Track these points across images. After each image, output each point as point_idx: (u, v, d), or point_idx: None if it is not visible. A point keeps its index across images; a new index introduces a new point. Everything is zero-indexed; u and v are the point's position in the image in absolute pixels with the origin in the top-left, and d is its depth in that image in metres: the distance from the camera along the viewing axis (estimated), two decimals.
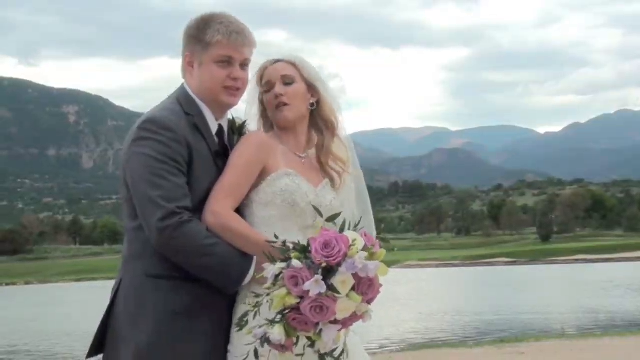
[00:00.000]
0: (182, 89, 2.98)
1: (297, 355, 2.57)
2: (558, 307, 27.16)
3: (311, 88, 3.05)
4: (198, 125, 2.87)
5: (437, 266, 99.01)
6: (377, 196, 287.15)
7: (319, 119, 3.07)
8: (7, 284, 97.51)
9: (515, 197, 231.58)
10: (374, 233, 2.94)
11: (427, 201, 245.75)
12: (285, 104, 2.97)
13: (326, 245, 2.47)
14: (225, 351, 2.81)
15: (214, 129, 2.94)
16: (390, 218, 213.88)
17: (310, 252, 2.50)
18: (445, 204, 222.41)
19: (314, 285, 2.43)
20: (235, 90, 2.94)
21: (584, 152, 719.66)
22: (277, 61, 3.05)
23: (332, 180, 3.05)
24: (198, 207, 2.77)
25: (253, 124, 3.12)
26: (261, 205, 2.89)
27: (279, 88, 2.99)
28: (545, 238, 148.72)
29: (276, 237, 2.63)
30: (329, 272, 2.47)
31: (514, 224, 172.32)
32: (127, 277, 2.84)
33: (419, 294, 37.70)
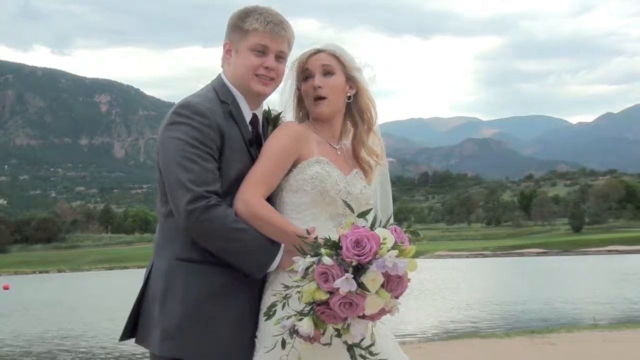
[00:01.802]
0: (218, 78, 3.01)
1: (325, 344, 2.58)
2: (590, 298, 26.92)
3: (350, 80, 3.02)
4: (233, 113, 2.90)
5: (467, 256, 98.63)
6: (407, 186, 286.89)
7: (356, 111, 3.06)
8: (40, 272, 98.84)
9: (546, 187, 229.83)
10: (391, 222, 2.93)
11: (457, 191, 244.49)
12: (323, 98, 2.95)
13: (357, 243, 2.47)
14: (253, 336, 2.82)
15: (247, 117, 2.96)
16: (420, 208, 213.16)
17: (341, 248, 2.49)
18: (476, 194, 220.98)
19: (345, 283, 2.44)
20: (268, 80, 2.96)
21: (617, 143, 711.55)
22: (319, 51, 3.02)
23: (364, 171, 3.06)
24: (228, 193, 2.79)
25: (289, 115, 3.11)
26: (291, 192, 2.88)
27: (318, 79, 2.96)
28: (577, 229, 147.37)
29: (308, 232, 2.63)
30: (359, 270, 2.47)
31: (545, 214, 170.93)
32: (159, 261, 2.88)
33: (448, 285, 37.56)
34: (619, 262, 60.61)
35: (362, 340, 2.60)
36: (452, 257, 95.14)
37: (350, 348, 2.60)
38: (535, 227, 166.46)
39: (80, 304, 34.21)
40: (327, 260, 2.47)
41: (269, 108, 3.10)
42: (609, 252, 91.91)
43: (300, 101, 3.08)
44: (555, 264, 62.58)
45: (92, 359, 16.45)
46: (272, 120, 3.09)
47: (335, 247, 2.52)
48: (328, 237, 2.55)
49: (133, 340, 2.95)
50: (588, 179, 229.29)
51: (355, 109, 3.06)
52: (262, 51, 2.94)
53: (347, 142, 3.10)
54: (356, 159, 3.07)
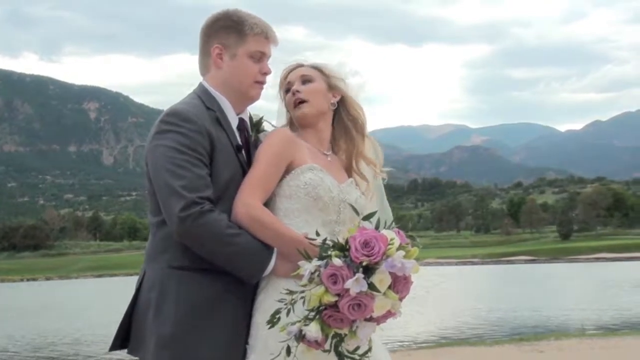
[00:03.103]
0: (201, 87, 2.99)
1: (324, 351, 2.58)
2: (578, 305, 27.01)
3: (332, 87, 3.06)
4: (219, 119, 2.90)
5: (457, 264, 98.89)
6: (397, 193, 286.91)
7: (346, 118, 3.08)
8: (28, 279, 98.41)
9: (535, 195, 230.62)
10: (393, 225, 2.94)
11: (446, 199, 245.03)
12: (303, 101, 2.99)
13: (366, 244, 2.48)
14: (247, 343, 2.82)
15: (234, 123, 2.96)
16: (409, 215, 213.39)
17: (348, 250, 2.51)
18: (465, 201, 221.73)
19: (355, 284, 2.45)
20: (263, 84, 3.00)
21: (605, 150, 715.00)
22: (300, 65, 3.08)
23: (358, 183, 3.07)
24: (218, 198, 2.79)
25: (275, 121, 3.15)
26: (284, 197, 2.89)
27: (297, 86, 3.01)
28: (566, 236, 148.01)
29: (317, 233, 2.65)
30: (367, 271, 2.49)
31: (533, 222, 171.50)
32: (151, 270, 2.87)
33: (437, 292, 37.61)
34: (608, 270, 60.84)
35: (357, 349, 2.59)
36: (441, 264, 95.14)
37: (340, 358, 2.58)
38: (524, 234, 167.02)
39: (69, 312, 34.08)
40: (337, 261, 2.48)
41: (249, 113, 3.09)
42: (597, 259, 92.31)
43: (288, 114, 3.11)
44: (544, 272, 62.80)
45: None
46: (254, 125, 3.08)
47: (343, 249, 2.53)
48: (336, 239, 2.57)
49: (123, 350, 2.93)
50: (576, 187, 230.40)
51: (345, 115, 3.08)
52: (259, 57, 2.97)
53: (341, 154, 3.11)
54: (351, 170, 3.09)
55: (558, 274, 56.99)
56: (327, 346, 2.57)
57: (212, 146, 2.82)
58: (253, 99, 3.01)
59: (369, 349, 2.64)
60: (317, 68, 3.07)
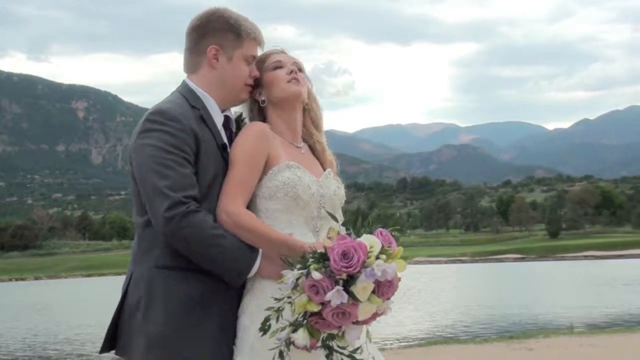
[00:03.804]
0: (185, 85, 2.97)
1: (317, 347, 2.58)
2: (567, 303, 27.11)
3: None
4: (204, 118, 2.88)
5: (446, 262, 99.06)
6: (386, 192, 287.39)
7: (309, 119, 3.09)
8: (17, 279, 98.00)
9: (524, 193, 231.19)
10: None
11: (436, 197, 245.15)
12: (301, 83, 2.98)
13: (345, 255, 2.46)
14: (233, 344, 2.81)
15: (219, 121, 2.95)
16: (399, 214, 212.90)
17: (328, 259, 2.49)
18: (454, 200, 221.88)
19: (336, 296, 2.44)
20: (251, 87, 3.00)
21: (593, 149, 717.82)
22: (285, 52, 3.07)
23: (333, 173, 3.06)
24: (204, 197, 2.78)
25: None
26: (264, 199, 2.86)
27: (293, 67, 2.99)
28: (554, 234, 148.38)
29: (296, 244, 2.68)
30: (348, 281, 2.47)
31: (522, 220, 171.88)
32: (138, 270, 2.85)
33: (427, 290, 37.69)
34: (596, 268, 61.10)
35: (344, 347, 2.59)
36: (431, 262, 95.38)
37: (330, 353, 2.58)
38: (514, 232, 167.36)
39: (59, 311, 33.97)
40: (316, 275, 2.46)
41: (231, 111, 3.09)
42: (586, 257, 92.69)
43: (254, 102, 3.06)
44: (532, 270, 62.99)
45: None
46: (235, 123, 3.07)
47: (323, 258, 2.51)
48: (315, 251, 2.54)
49: (113, 352, 2.91)
50: (565, 185, 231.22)
51: (310, 116, 3.09)
52: (251, 61, 2.99)
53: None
54: (324, 161, 3.08)
55: (547, 272, 57.20)
56: (319, 344, 2.56)
57: (197, 145, 2.80)
58: (242, 101, 3.02)
59: (360, 346, 2.63)
60: (298, 62, 3.06)
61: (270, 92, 2.99)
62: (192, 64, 2.99)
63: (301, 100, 3.00)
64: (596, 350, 12.32)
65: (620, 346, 12.88)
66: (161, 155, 2.73)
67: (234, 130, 3.02)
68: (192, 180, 2.75)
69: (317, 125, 3.11)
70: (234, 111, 3.10)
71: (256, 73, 2.99)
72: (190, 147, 2.78)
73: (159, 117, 2.80)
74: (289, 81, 2.97)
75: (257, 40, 3.00)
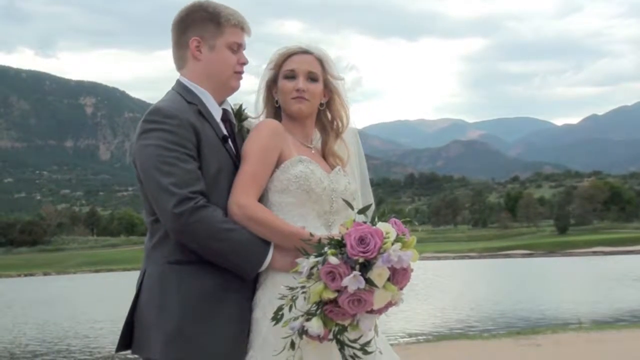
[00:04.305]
0: (179, 83, 2.97)
1: (329, 340, 2.60)
2: (575, 299, 27.06)
3: (327, 87, 3.04)
4: (202, 112, 2.88)
5: (454, 258, 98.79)
6: (394, 188, 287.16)
7: (325, 118, 3.08)
8: (25, 275, 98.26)
9: (532, 189, 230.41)
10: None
11: (443, 193, 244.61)
12: (305, 99, 2.96)
13: (362, 240, 2.48)
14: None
15: (217, 114, 2.94)
16: (406, 210, 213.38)
17: (345, 246, 2.50)
18: (462, 195, 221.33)
19: (353, 281, 2.45)
20: (242, 74, 3.00)
21: (601, 144, 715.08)
22: (306, 52, 3.03)
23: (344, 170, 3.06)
24: (209, 191, 2.77)
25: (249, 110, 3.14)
26: (276, 192, 2.88)
27: (303, 83, 2.96)
28: (563, 230, 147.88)
29: (312, 235, 2.65)
30: (365, 267, 2.48)
31: (530, 216, 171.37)
32: (150, 267, 2.85)
33: (435, 286, 37.65)
34: (604, 263, 60.91)
35: (359, 337, 2.61)
36: (439, 258, 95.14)
37: (341, 347, 2.60)
38: (521, 228, 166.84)
39: (70, 307, 34.06)
40: (333, 260, 2.47)
41: (230, 103, 3.08)
42: (594, 253, 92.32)
43: (269, 97, 3.08)
44: (541, 266, 62.82)
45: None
46: (236, 115, 3.07)
47: (339, 245, 2.53)
48: (332, 237, 2.56)
49: (129, 350, 2.90)
50: (573, 181, 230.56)
51: (325, 116, 3.08)
52: (237, 48, 2.96)
53: (317, 145, 3.12)
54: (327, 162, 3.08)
55: (555, 268, 57.05)
56: (330, 336, 2.58)
57: (197, 139, 2.79)
58: (233, 89, 3.00)
59: (371, 339, 2.65)
60: (321, 62, 3.03)
61: (279, 98, 3.03)
62: (179, 59, 3.00)
63: (305, 116, 3.01)
64: (604, 346, 12.31)
65: (628, 342, 12.85)
66: (163, 153, 2.72)
67: (234, 122, 3.03)
68: (197, 174, 2.74)
69: (324, 132, 3.10)
70: (233, 104, 3.08)
71: (244, 60, 2.97)
72: (191, 142, 2.77)
73: (157, 117, 2.79)
74: (293, 98, 2.96)
75: (239, 27, 2.96)
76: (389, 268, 2.49)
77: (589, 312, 22.01)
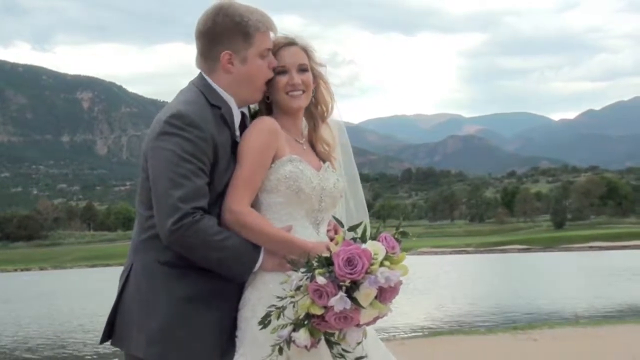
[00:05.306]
0: (204, 81, 2.91)
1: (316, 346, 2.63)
2: (571, 294, 27.12)
3: (314, 76, 3.03)
4: (225, 116, 2.84)
5: (451, 253, 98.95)
6: (391, 183, 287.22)
7: (312, 105, 3.05)
8: (22, 269, 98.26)
9: (529, 184, 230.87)
10: (366, 214, 3.07)
11: (441, 188, 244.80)
12: (303, 91, 2.95)
13: (349, 261, 2.50)
14: (234, 336, 2.82)
15: (237, 119, 2.91)
16: (403, 205, 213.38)
17: (333, 264, 2.53)
18: (459, 190, 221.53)
19: (339, 302, 2.48)
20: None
21: (598, 139, 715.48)
22: (292, 44, 3.00)
23: (330, 162, 3.06)
24: (216, 201, 2.77)
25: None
26: (265, 192, 2.87)
27: (296, 76, 2.94)
28: (559, 225, 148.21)
29: (293, 261, 2.66)
30: (352, 287, 2.52)
31: (527, 211, 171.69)
32: (138, 263, 2.84)
33: (432, 281, 37.69)
34: (601, 258, 61.04)
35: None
36: (436, 253, 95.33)
37: (331, 344, 2.62)
38: (518, 223, 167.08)
39: (64, 301, 34.06)
40: (320, 280, 2.50)
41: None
42: (591, 248, 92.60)
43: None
44: (537, 261, 62.94)
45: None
46: (252, 117, 3.03)
47: (327, 263, 2.55)
48: (320, 255, 2.59)
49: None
50: (570, 176, 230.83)
51: (314, 103, 3.05)
52: (267, 53, 2.92)
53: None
54: (315, 151, 3.07)
55: (551, 263, 57.16)
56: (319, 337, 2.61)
57: (215, 153, 2.77)
58: (258, 100, 2.98)
59: (364, 357, 2.69)
60: (306, 51, 3.01)
61: (272, 94, 2.99)
62: (207, 68, 2.93)
63: (300, 110, 3.01)
64: (601, 340, 12.32)
65: (625, 337, 12.87)
66: (179, 162, 2.70)
67: (248, 126, 2.97)
68: (204, 191, 2.73)
69: (312, 119, 3.09)
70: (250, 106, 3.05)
71: (274, 63, 2.91)
72: (207, 157, 2.75)
73: (179, 122, 2.74)
74: (287, 93, 2.94)
75: (268, 31, 2.91)
76: (376, 288, 2.52)
77: (586, 307, 22.05)
